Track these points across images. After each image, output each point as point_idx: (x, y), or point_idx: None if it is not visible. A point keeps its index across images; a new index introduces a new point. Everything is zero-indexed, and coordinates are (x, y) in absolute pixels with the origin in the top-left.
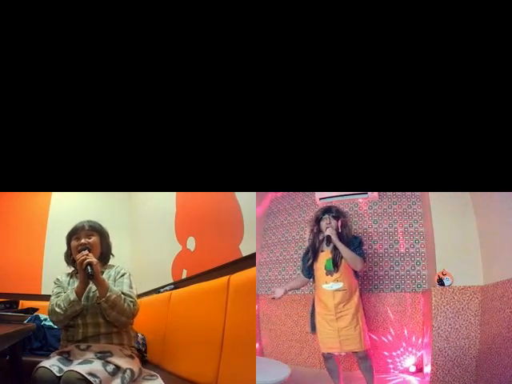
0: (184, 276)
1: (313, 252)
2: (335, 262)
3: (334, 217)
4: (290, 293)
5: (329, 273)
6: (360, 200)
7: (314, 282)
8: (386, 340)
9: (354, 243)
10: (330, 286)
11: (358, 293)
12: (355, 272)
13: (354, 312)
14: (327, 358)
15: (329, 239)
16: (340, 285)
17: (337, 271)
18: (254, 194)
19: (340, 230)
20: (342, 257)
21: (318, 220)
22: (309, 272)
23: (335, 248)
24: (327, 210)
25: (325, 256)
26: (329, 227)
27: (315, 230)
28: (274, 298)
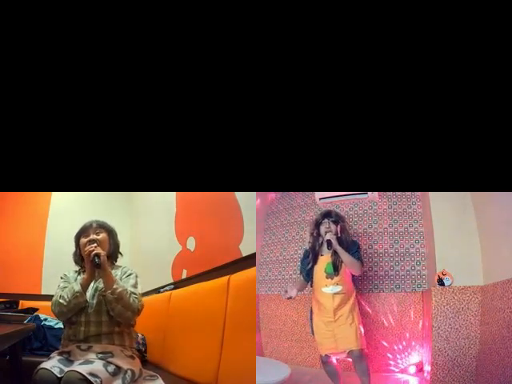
0: (184, 276)
1: (313, 255)
2: (336, 266)
3: (333, 221)
4: None
5: (329, 276)
6: (360, 200)
7: (311, 285)
8: (385, 340)
9: (353, 248)
10: (329, 289)
11: (354, 295)
12: (353, 277)
13: (350, 310)
14: (325, 361)
15: (329, 244)
16: (339, 288)
17: (337, 275)
18: (253, 193)
19: (339, 235)
20: (341, 261)
21: (317, 224)
22: (308, 275)
23: (335, 252)
24: (326, 215)
25: (325, 260)
26: (329, 232)
27: (315, 234)
28: (290, 298)
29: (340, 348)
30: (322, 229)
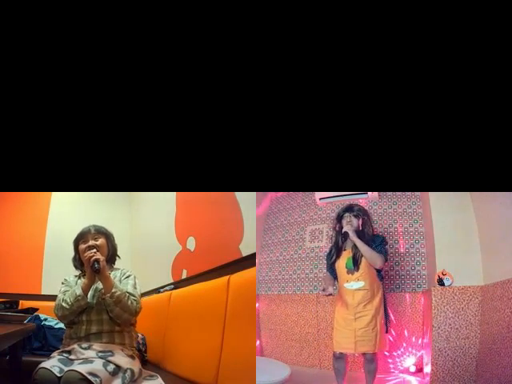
0: (184, 276)
1: (335, 250)
2: (355, 260)
3: (354, 215)
4: (289, 292)
5: (350, 271)
6: (360, 200)
7: (337, 281)
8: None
9: (376, 241)
10: (350, 284)
11: (380, 294)
12: (378, 273)
13: (374, 314)
14: (338, 357)
15: (346, 236)
16: (361, 284)
17: (357, 270)
18: (254, 193)
19: (361, 228)
20: (361, 255)
21: (339, 218)
22: (332, 270)
23: (356, 246)
24: (348, 209)
25: (346, 254)
26: (348, 225)
27: (337, 228)
28: (330, 295)
29: (358, 350)
30: (344, 223)
